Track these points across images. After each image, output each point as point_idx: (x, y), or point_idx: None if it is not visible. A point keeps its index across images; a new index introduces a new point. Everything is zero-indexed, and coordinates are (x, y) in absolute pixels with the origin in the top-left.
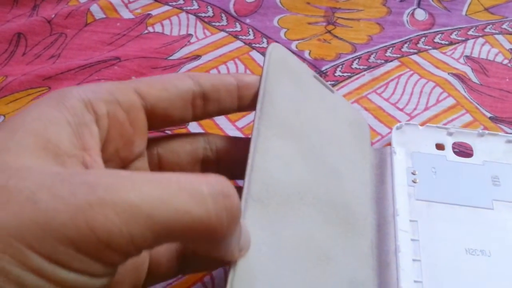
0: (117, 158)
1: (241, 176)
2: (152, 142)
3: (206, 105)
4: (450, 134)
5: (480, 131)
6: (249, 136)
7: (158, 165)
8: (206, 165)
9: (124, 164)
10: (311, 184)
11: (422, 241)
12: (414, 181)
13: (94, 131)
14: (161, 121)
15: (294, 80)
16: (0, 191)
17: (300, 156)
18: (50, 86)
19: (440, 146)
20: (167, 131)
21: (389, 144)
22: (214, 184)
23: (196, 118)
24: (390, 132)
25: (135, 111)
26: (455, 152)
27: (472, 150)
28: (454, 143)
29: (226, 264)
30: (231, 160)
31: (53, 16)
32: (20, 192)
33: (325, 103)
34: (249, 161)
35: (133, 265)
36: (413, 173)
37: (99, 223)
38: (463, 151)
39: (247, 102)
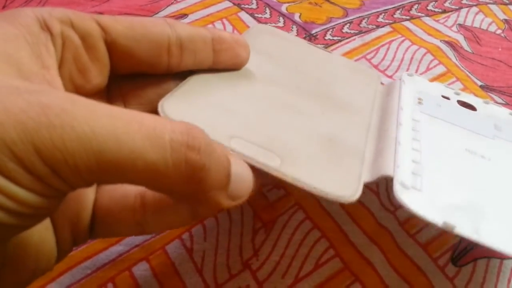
0: (71, 85)
1: None
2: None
3: (182, 55)
4: (456, 94)
5: (486, 100)
6: None
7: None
8: None
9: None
10: (299, 81)
11: (423, 134)
12: (420, 102)
13: (50, 49)
14: (127, 62)
15: (278, 37)
16: None
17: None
18: None
19: (445, 98)
20: None
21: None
22: (180, 132)
23: (172, 68)
24: None
25: (92, 39)
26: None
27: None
28: (458, 101)
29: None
30: None
31: None
32: None
33: (317, 55)
34: None
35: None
36: (420, 99)
37: (45, 147)
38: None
39: (222, 57)
